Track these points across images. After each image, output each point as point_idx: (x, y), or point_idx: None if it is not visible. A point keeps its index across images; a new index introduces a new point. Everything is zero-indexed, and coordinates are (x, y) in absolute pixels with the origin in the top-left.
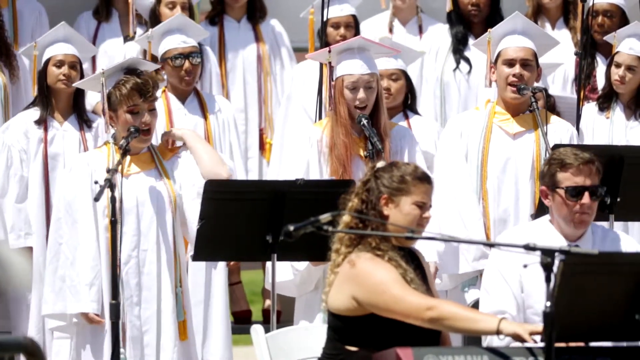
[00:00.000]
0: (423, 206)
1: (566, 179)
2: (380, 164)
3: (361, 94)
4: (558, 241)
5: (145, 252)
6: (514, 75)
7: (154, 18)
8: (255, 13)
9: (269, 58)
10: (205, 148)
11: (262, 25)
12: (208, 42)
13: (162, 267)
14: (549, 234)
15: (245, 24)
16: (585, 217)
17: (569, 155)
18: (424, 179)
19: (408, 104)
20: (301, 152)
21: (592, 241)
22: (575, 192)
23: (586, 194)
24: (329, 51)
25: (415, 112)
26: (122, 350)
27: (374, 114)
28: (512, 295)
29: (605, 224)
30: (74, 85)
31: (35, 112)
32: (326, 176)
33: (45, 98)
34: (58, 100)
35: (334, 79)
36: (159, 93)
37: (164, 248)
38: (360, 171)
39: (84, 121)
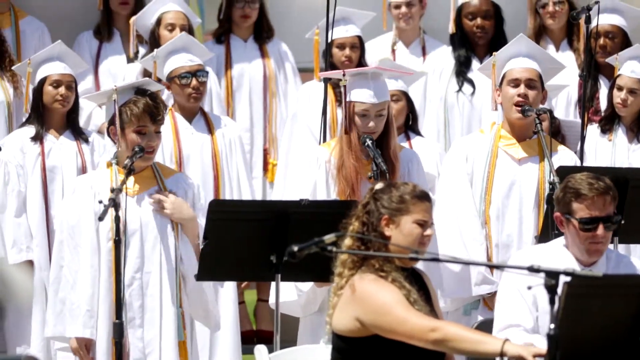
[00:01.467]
0: (424, 224)
1: (581, 209)
2: (378, 185)
3: (371, 123)
4: (572, 265)
5: (149, 274)
6: (518, 95)
7: (153, 40)
8: (262, 33)
9: (275, 78)
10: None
11: (268, 45)
12: (214, 61)
13: (164, 288)
14: (564, 257)
15: (251, 44)
16: (599, 247)
17: (584, 186)
18: (423, 197)
19: (409, 124)
20: (308, 173)
21: (605, 266)
22: (590, 224)
23: (600, 226)
24: (344, 74)
25: (417, 133)
26: None
27: (384, 138)
28: (528, 309)
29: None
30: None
31: (30, 129)
32: (333, 197)
33: (40, 116)
34: (52, 117)
35: (346, 101)
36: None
37: (167, 269)
38: None
39: (79, 135)
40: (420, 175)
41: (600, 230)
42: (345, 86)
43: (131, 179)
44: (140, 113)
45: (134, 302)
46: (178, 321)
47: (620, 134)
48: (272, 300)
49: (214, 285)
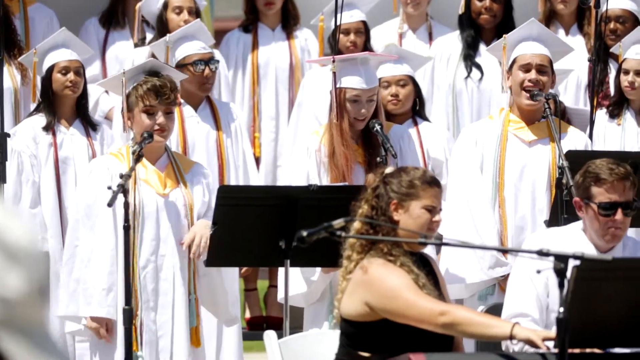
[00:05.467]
0: (433, 210)
1: (600, 194)
2: (388, 169)
3: (363, 109)
4: (589, 250)
5: (163, 257)
6: (529, 80)
7: (161, 24)
8: (289, 20)
9: (302, 67)
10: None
11: (296, 34)
12: (240, 48)
13: (177, 273)
14: (581, 241)
15: (279, 33)
16: (617, 232)
17: (604, 170)
18: (433, 183)
19: (416, 110)
20: (300, 162)
21: (622, 253)
22: (609, 208)
23: (619, 210)
24: (333, 61)
25: (424, 119)
26: (139, 353)
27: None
28: (537, 298)
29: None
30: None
31: (40, 118)
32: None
33: (51, 104)
34: (62, 105)
35: (336, 87)
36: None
37: (180, 254)
38: (362, 179)
39: (88, 124)
40: (412, 150)
41: (618, 215)
42: (334, 72)
43: (159, 178)
44: (145, 92)
45: (148, 284)
46: (192, 307)
47: (629, 118)
48: (280, 295)
49: (231, 280)
